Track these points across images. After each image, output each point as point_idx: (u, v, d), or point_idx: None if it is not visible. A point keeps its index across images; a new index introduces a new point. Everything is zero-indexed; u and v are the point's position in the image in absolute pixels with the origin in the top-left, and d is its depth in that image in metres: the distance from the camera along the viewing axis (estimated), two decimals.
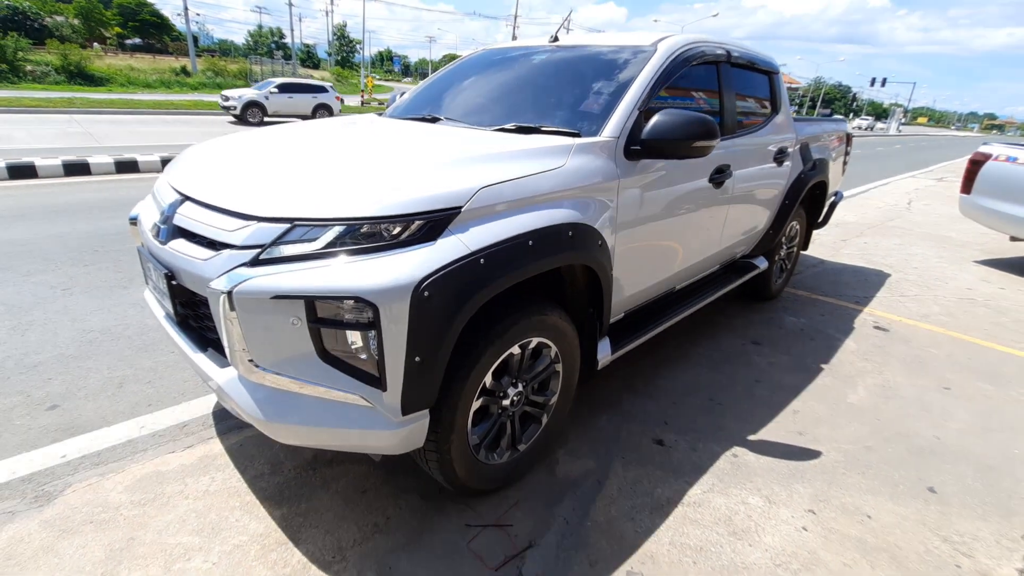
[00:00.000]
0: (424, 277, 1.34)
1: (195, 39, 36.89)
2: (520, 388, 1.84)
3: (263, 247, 1.38)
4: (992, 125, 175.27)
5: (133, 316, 3.13)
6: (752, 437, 2.35)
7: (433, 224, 1.42)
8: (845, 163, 4.54)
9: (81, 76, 23.30)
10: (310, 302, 1.33)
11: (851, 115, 66.60)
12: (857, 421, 2.53)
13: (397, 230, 1.40)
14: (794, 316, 3.75)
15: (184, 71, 29.32)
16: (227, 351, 1.44)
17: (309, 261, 1.35)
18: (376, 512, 1.79)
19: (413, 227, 1.40)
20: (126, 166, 7.28)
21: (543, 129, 2.05)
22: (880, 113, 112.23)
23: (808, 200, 3.88)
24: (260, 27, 70.32)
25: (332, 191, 1.43)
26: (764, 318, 3.68)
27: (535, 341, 1.81)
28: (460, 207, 1.46)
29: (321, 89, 17.37)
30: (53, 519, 1.69)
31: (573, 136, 1.97)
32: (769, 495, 2.00)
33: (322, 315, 1.35)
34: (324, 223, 1.38)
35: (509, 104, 2.39)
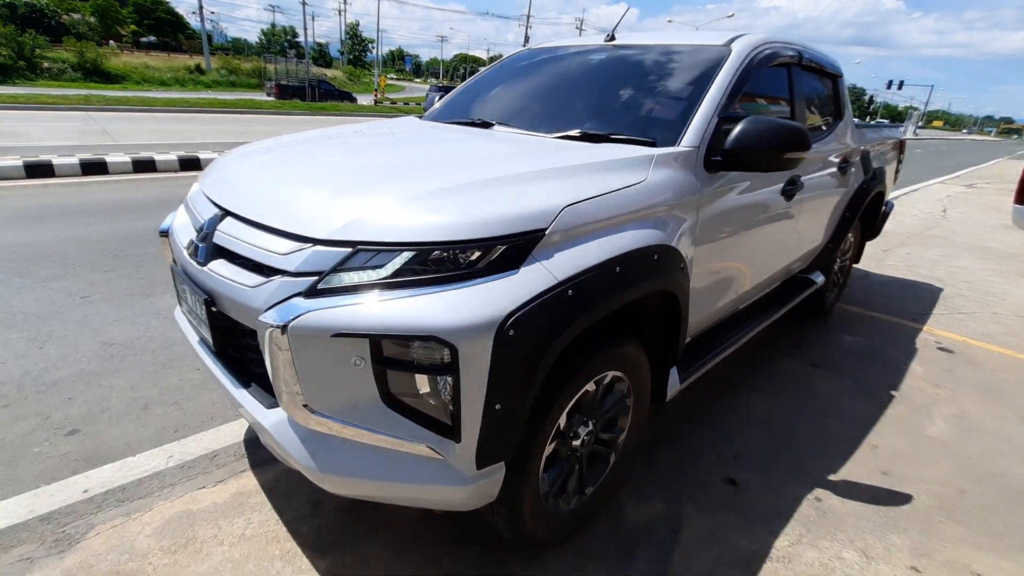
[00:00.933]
0: (510, 313, 1.15)
1: (209, 37, 37.02)
2: (590, 427, 1.65)
3: (321, 274, 1.19)
4: (1009, 129, 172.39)
5: (156, 328, 2.97)
6: (833, 477, 2.13)
7: (515, 250, 1.23)
8: (897, 171, 4.31)
9: (97, 73, 23.42)
10: (376, 341, 1.14)
11: (867, 118, 65.74)
12: (943, 459, 2.30)
13: (475, 256, 1.20)
14: (850, 335, 3.52)
15: (198, 69, 29.43)
16: (277, 391, 1.25)
17: (374, 292, 1.16)
18: (432, 565, 1.60)
19: (493, 253, 1.21)
20: (144, 165, 7.16)
21: (612, 137, 1.85)
22: (895, 116, 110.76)
23: (866, 211, 3.65)
24: (273, 26, 70.62)
25: (400, 210, 1.24)
26: (820, 337, 3.45)
27: (610, 375, 1.62)
28: (544, 229, 1.27)
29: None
30: (75, 569, 1.51)
31: (648, 145, 1.77)
32: (864, 548, 1.79)
33: (389, 355, 1.16)
34: (392, 248, 1.19)
35: (568, 108, 2.19)
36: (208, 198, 1.59)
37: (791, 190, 2.38)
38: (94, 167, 6.75)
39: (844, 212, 3.21)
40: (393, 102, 31.94)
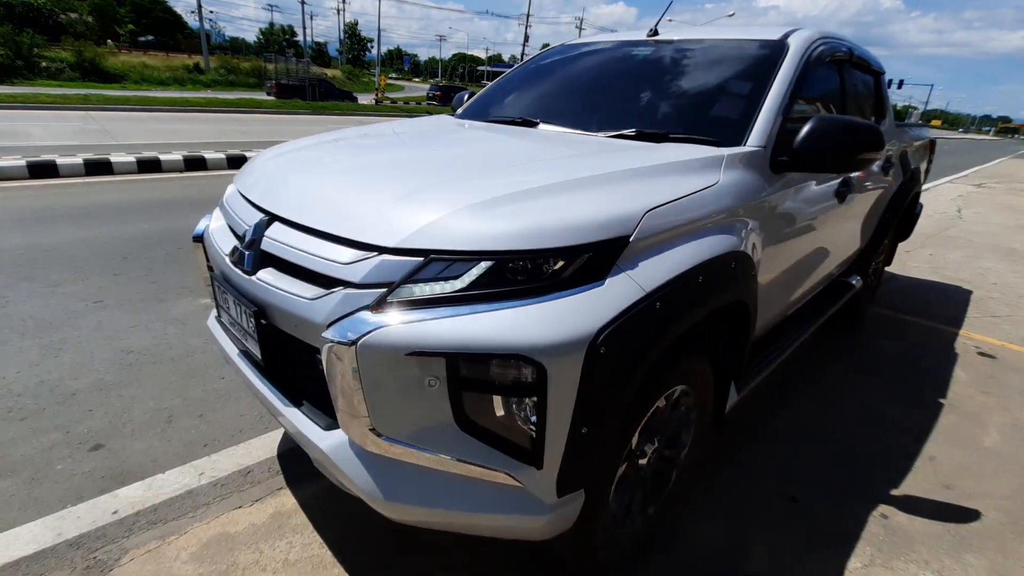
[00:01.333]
0: (600, 328, 1.05)
1: (207, 37, 36.81)
2: (656, 444, 1.54)
3: (390, 286, 1.09)
4: (1007, 128, 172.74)
5: (174, 335, 2.86)
6: (895, 492, 2.03)
7: (600, 259, 1.13)
8: (927, 172, 4.21)
9: (95, 73, 23.25)
10: (453, 360, 1.04)
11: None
12: (1004, 471, 2.20)
13: (558, 266, 1.10)
14: (888, 340, 3.42)
15: (197, 68, 29.25)
16: (338, 413, 1.15)
17: (449, 306, 1.06)
18: None
19: (578, 263, 1.11)
20: (148, 165, 7.04)
21: (671, 136, 1.74)
22: (895, 115, 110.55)
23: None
24: (272, 25, 70.33)
25: (477, 216, 1.13)
26: (858, 343, 3.36)
27: (678, 390, 1.51)
28: (628, 236, 1.16)
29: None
30: None
31: (709, 145, 1.67)
32: (940, 570, 1.69)
33: (467, 375, 1.05)
34: (469, 257, 1.08)
35: (617, 106, 2.08)
36: (249, 201, 1.48)
37: (844, 191, 2.28)
38: (98, 167, 6.63)
39: (884, 213, 3.11)
40: (393, 101, 31.80)
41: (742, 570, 1.64)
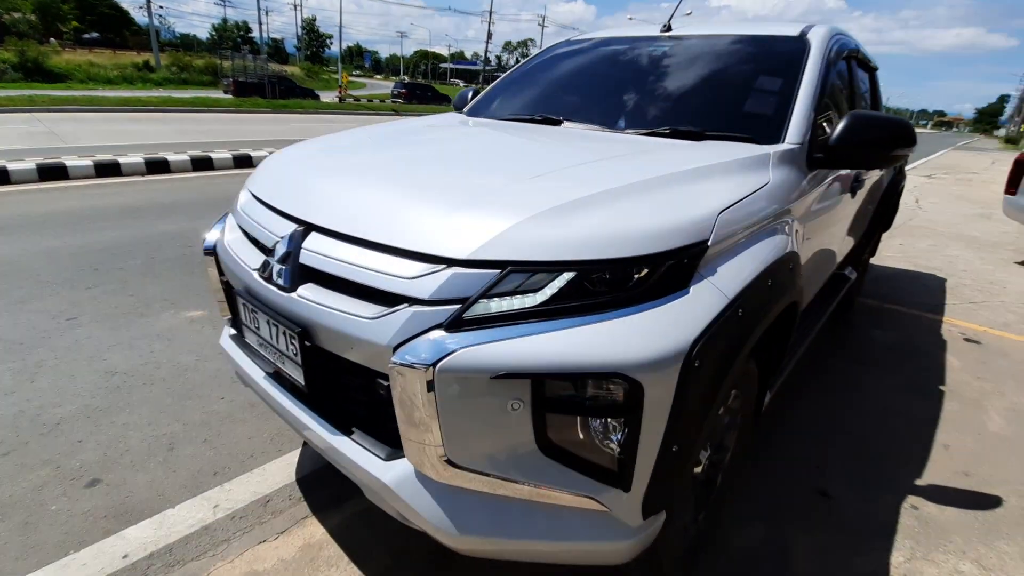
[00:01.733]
0: (695, 340, 0.99)
1: (156, 33, 35.08)
2: (708, 451, 1.51)
3: (465, 302, 1.00)
4: (942, 122, 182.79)
5: (161, 352, 2.66)
6: (920, 482, 2.06)
7: (683, 266, 1.07)
8: (903, 165, 4.36)
9: (39, 72, 21.86)
10: (539, 380, 0.96)
11: None
12: (1014, 456, 2.27)
13: (642, 275, 1.04)
14: (879, 329, 3.51)
15: (147, 66, 27.88)
16: (406, 442, 1.05)
17: (532, 322, 0.98)
18: None
19: (661, 271, 1.05)
20: (107, 169, 6.61)
21: (708, 134, 1.71)
22: None
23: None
24: (225, 21, 67.69)
25: (555, 224, 1.05)
26: (852, 334, 3.43)
27: (732, 395, 1.48)
28: (706, 241, 1.11)
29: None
30: None
31: (750, 142, 1.64)
32: (978, 559, 1.71)
33: (554, 396, 0.98)
34: (550, 268, 1.01)
35: (643, 103, 2.03)
36: (275, 209, 1.36)
37: (856, 186, 2.30)
38: (52, 172, 6.18)
39: (879, 206, 3.18)
40: (357, 99, 31.08)
41: (792, 572, 1.62)
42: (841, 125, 1.64)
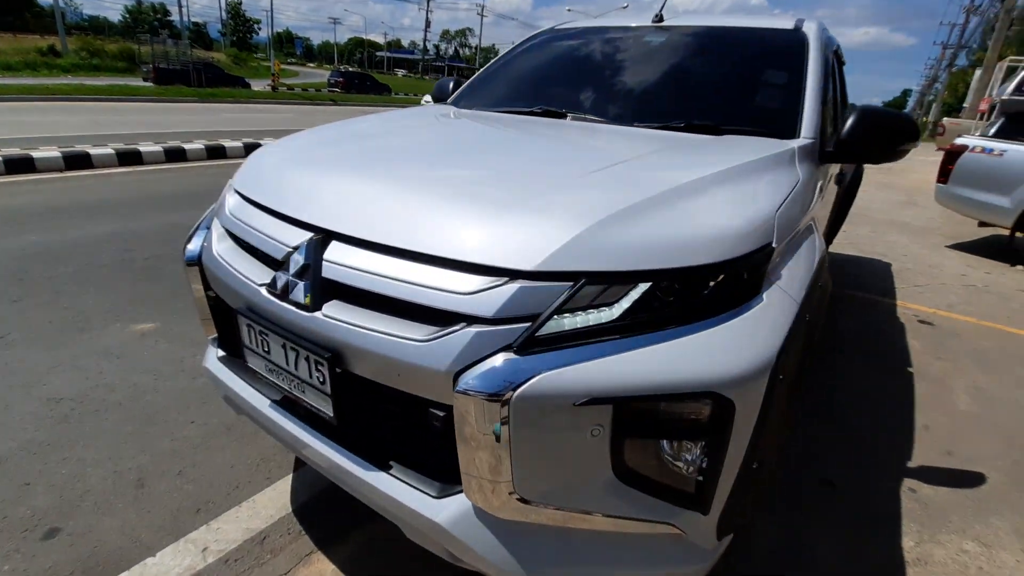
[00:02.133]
0: (780, 351, 0.93)
1: (62, 15, 31.82)
2: None
3: (535, 319, 0.89)
4: None
5: (112, 372, 2.37)
6: (911, 465, 2.15)
7: (753, 271, 1.01)
8: None
9: None
10: (623, 404, 0.87)
11: None
12: (987, 434, 2.42)
13: (717, 282, 0.97)
14: (841, 316, 3.68)
15: (52, 51, 25.28)
16: (467, 478, 0.94)
17: (611, 339, 0.89)
18: None
19: (735, 278, 0.98)
20: (18, 165, 5.89)
21: (724, 129, 1.67)
22: None
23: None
24: (140, 3, 62.39)
25: (625, 227, 0.96)
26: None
27: None
28: (771, 242, 1.06)
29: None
30: None
31: (767, 137, 1.61)
32: (978, 536, 1.80)
33: (639, 420, 0.90)
34: (625, 278, 0.92)
35: (647, 96, 1.97)
36: (278, 214, 1.19)
37: (841, 177, 2.36)
38: None
39: (845, 196, 3.31)
40: (291, 88, 29.59)
41: (816, 565, 1.63)
42: (851, 120, 1.65)
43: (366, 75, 38.21)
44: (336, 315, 1.02)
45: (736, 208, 1.09)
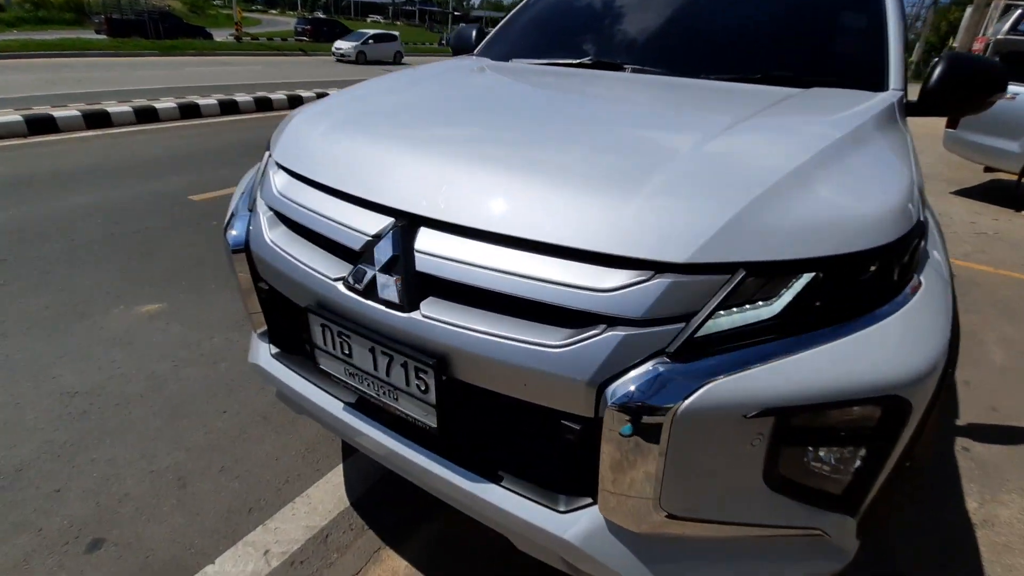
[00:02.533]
0: (950, 341, 0.84)
1: None
2: None
3: (689, 319, 0.77)
4: None
5: (125, 361, 2.21)
6: (960, 423, 2.15)
7: (911, 254, 0.90)
8: None
9: None
10: (794, 411, 0.77)
11: None
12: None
13: (878, 269, 0.85)
14: None
15: None
16: (606, 495, 0.84)
17: (777, 339, 0.78)
18: None
19: (897, 264, 0.87)
20: None
21: (807, 81, 1.51)
22: None
23: None
24: None
25: (782, 208, 0.83)
26: None
27: None
28: (921, 218, 0.94)
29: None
30: None
31: (851, 88, 1.47)
32: None
33: (801, 427, 0.80)
34: (787, 269, 0.80)
35: (713, 44, 1.77)
36: (345, 195, 1.03)
37: None
38: None
39: None
40: (256, 38, 27.79)
41: (886, 533, 1.62)
42: (940, 68, 1.51)
43: (335, 22, 35.97)
44: (438, 315, 0.89)
45: (885, 179, 0.96)
